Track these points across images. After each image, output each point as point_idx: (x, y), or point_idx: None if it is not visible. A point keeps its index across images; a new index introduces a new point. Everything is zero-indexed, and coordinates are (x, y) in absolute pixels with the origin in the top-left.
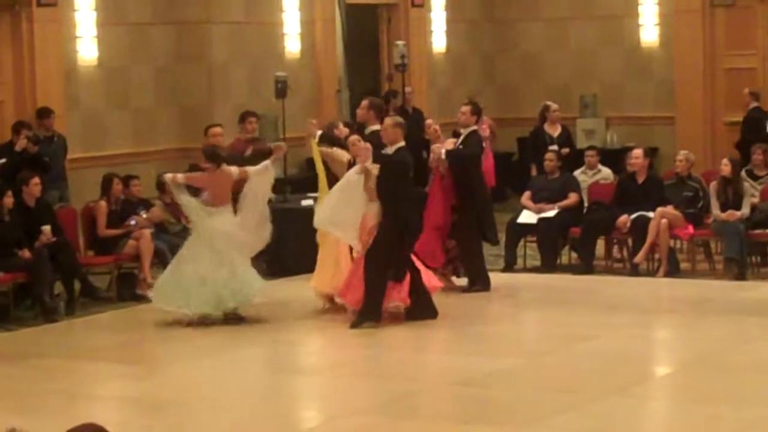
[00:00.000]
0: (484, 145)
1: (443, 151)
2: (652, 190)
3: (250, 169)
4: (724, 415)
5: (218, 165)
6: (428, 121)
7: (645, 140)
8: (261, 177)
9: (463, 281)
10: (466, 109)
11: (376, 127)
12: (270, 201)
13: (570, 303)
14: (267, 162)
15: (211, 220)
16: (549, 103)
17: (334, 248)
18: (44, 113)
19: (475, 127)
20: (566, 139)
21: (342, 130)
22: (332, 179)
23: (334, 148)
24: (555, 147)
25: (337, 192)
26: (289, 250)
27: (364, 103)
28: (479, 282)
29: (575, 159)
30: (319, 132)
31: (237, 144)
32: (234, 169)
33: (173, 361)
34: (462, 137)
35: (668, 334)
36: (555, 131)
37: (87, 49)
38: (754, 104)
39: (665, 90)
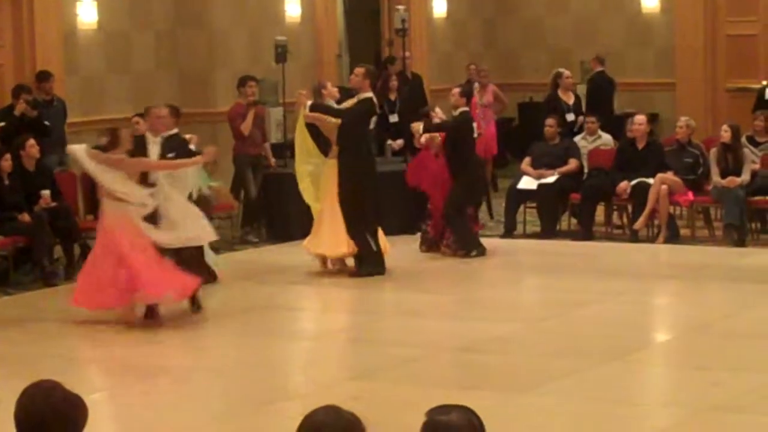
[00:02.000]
0: (474, 125)
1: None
2: (652, 157)
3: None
4: (724, 381)
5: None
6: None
7: (645, 106)
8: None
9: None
10: (455, 91)
11: (369, 94)
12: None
13: (569, 269)
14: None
15: None
16: (561, 70)
17: (329, 210)
18: (43, 77)
19: (465, 109)
20: (579, 106)
21: (330, 90)
22: (324, 144)
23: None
24: (572, 115)
25: None
26: (288, 214)
27: (359, 70)
28: (475, 247)
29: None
30: (309, 102)
31: (237, 108)
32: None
33: (171, 326)
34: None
35: (668, 300)
36: (570, 99)
37: (87, 13)
38: (599, 68)
39: (666, 56)
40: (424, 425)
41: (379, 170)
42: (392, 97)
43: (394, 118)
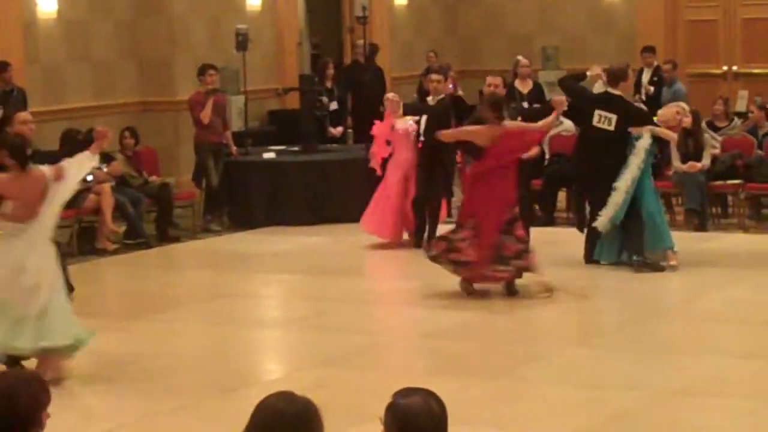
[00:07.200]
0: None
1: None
2: None
3: (67, 163)
4: (685, 365)
5: (24, 164)
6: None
7: None
8: (74, 174)
9: None
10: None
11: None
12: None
13: None
14: (86, 153)
15: (18, 241)
16: (519, 57)
17: None
18: (2, 67)
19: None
20: (537, 95)
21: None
22: None
23: None
24: (525, 104)
25: None
26: (250, 202)
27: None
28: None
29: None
30: None
31: (197, 96)
32: (46, 169)
33: (134, 315)
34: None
35: (629, 285)
36: (525, 87)
37: (46, 2)
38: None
39: (627, 42)
40: (387, 407)
41: (342, 158)
42: (329, 85)
43: (333, 106)
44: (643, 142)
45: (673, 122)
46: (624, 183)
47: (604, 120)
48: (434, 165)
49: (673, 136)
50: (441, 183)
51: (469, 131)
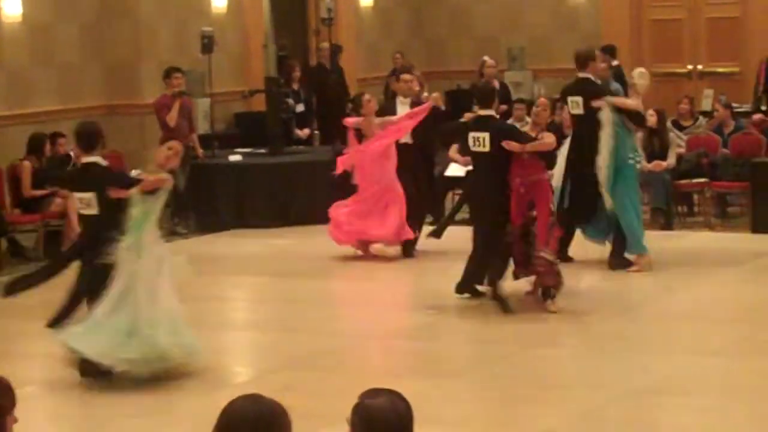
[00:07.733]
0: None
1: None
2: None
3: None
4: (653, 363)
5: None
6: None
7: None
8: None
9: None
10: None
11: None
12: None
13: None
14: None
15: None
16: (485, 58)
17: None
18: None
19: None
20: (503, 95)
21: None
22: None
23: None
24: None
25: None
26: (217, 205)
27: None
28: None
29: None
30: None
31: (163, 99)
32: None
33: None
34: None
35: (595, 284)
36: None
37: (11, 5)
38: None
39: (592, 42)
40: (354, 408)
41: (309, 160)
42: (295, 87)
43: (299, 108)
44: (604, 115)
45: (641, 80)
46: (602, 159)
47: (574, 105)
48: (420, 165)
49: (628, 103)
50: (428, 183)
51: (552, 141)
